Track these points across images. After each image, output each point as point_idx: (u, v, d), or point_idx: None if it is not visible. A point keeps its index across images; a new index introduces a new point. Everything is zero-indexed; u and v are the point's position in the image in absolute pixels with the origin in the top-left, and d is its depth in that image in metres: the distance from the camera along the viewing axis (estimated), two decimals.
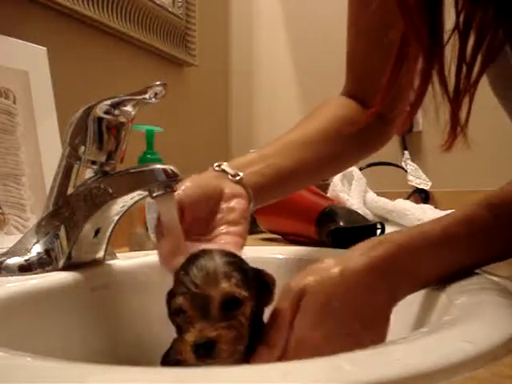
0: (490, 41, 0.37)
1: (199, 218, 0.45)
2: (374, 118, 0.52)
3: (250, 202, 0.48)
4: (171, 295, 0.36)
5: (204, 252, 0.35)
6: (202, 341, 0.32)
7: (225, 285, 0.34)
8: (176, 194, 0.44)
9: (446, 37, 0.40)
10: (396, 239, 0.38)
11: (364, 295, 0.35)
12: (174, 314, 0.35)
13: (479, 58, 0.38)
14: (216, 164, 0.49)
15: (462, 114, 0.40)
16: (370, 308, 0.35)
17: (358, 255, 0.36)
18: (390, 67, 0.44)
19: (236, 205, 0.46)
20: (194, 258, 0.35)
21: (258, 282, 0.37)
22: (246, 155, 0.53)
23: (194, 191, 0.45)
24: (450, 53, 0.40)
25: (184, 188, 0.45)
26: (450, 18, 0.40)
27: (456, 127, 0.40)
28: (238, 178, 0.48)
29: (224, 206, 0.46)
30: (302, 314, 0.35)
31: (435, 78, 0.40)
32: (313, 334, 0.34)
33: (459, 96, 0.39)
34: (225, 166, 0.49)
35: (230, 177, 0.48)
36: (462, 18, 0.38)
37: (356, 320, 0.34)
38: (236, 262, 0.35)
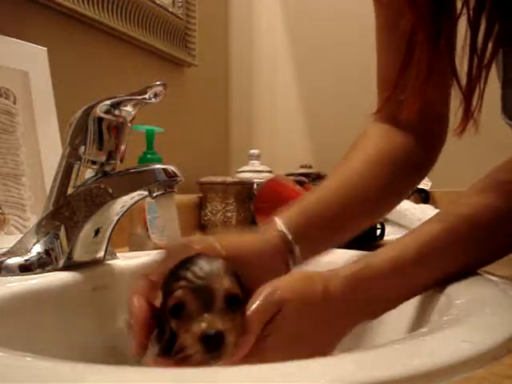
0: (501, 26, 0.38)
1: None
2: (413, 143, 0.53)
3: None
4: (167, 294, 0.34)
5: (199, 255, 0.35)
6: (212, 331, 0.31)
7: (227, 281, 0.33)
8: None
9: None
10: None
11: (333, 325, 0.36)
12: (172, 311, 0.33)
13: (490, 43, 0.39)
14: (279, 228, 0.44)
15: (474, 100, 0.41)
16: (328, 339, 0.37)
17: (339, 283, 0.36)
18: (403, 54, 0.44)
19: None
20: (189, 260, 0.34)
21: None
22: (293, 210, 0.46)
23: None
24: (460, 42, 0.41)
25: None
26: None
27: (468, 113, 0.41)
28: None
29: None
30: (276, 333, 0.34)
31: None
32: (275, 353, 0.34)
33: (472, 82, 0.40)
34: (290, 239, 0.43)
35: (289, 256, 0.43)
36: (472, 6, 0.39)
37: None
38: (230, 267, 0.35)
